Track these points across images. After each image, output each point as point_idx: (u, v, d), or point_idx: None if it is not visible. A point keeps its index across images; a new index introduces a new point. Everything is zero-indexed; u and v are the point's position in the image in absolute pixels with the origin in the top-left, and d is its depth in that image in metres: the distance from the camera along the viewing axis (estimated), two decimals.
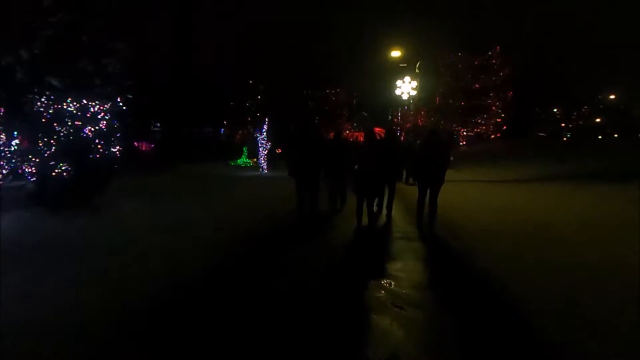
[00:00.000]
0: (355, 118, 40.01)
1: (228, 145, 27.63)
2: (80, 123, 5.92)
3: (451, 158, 15.11)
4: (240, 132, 37.72)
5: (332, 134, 7.57)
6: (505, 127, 31.74)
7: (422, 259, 4.20)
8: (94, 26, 5.84)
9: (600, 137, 44.04)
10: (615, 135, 45.15)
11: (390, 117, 32.85)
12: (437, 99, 30.04)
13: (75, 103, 5.77)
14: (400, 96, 16.93)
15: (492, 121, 30.80)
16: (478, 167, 16.19)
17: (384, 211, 6.13)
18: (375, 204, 5.54)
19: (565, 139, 44.82)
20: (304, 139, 5.88)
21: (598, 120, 47.97)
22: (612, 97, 43.23)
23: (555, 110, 46.86)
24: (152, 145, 31.20)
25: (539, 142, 30.48)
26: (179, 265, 3.69)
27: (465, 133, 31.27)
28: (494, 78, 29.31)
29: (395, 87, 16.95)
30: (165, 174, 13.31)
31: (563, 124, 48.86)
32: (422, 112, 30.24)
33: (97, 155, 6.32)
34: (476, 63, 29.03)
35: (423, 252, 4.47)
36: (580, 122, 48.44)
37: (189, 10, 26.11)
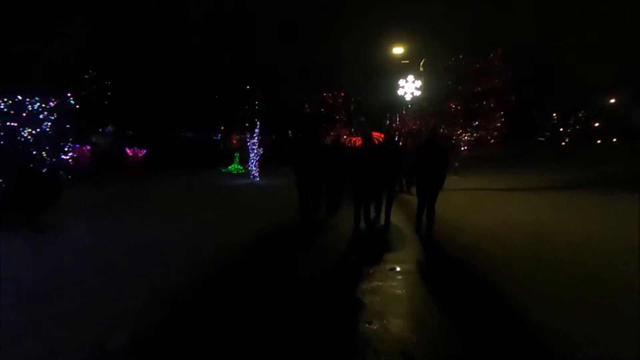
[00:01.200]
0: (353, 122, 39.19)
1: (220, 151, 26.57)
2: (15, 124, 4.80)
3: (456, 164, 14.35)
4: (236, 137, 36.65)
5: (329, 139, 7.34)
6: (505, 132, 31.06)
7: (446, 307, 3.05)
8: (31, 5, 4.75)
9: (599, 141, 43.55)
10: (614, 140, 44.64)
11: (388, 121, 31.94)
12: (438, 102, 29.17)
13: (6, 99, 4.66)
14: (402, 97, 15.92)
15: (493, 125, 30.06)
16: (482, 173, 15.25)
17: (383, 215, 5.93)
18: (372, 208, 5.49)
19: (563, 143, 44.31)
20: (307, 147, 5.91)
21: (597, 124, 47.54)
22: (612, 101, 42.72)
23: (554, 115, 46.33)
24: (144, 151, 29.92)
25: (538, 147, 29.77)
26: (121, 321, 2.58)
27: (466, 138, 30.44)
28: (496, 81, 28.58)
29: (397, 87, 15.93)
30: (144, 183, 12.19)
31: (561, 129, 48.37)
32: (421, 116, 29.35)
33: (42, 164, 5.21)
34: (477, 66, 28.30)
35: (444, 293, 3.35)
36: (577, 127, 48.03)
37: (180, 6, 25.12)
